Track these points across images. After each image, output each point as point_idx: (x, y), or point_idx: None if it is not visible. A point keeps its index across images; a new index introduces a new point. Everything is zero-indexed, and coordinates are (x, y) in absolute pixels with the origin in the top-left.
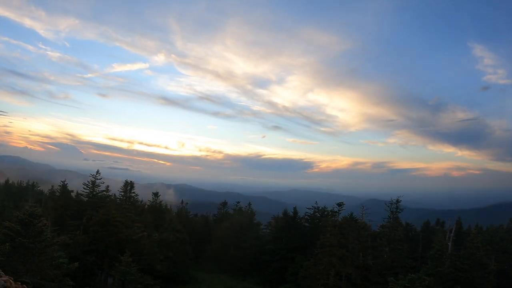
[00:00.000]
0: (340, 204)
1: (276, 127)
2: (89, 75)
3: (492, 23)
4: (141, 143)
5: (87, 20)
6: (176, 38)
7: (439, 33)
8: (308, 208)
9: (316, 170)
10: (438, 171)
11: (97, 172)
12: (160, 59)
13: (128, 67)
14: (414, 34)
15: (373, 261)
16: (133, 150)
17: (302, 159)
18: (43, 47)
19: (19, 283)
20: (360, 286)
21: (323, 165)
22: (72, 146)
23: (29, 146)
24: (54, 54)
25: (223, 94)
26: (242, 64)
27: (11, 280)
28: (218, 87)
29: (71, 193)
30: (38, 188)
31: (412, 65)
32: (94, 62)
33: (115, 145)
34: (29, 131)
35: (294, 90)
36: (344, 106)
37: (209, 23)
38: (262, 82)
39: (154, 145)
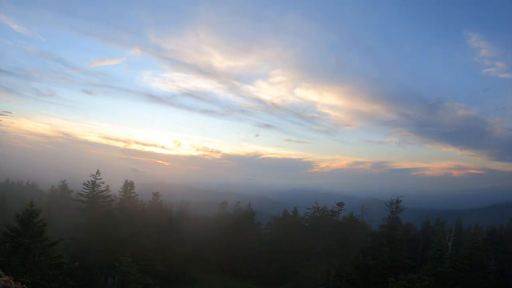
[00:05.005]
0: (340, 204)
1: (269, 126)
2: (70, 71)
3: (489, 10)
4: (137, 143)
5: (58, 13)
6: (150, 31)
7: (434, 23)
8: (308, 208)
9: (316, 170)
10: (439, 171)
11: (97, 172)
12: (137, 53)
13: (106, 62)
14: (407, 25)
15: (373, 261)
16: (130, 150)
17: (301, 158)
18: (20, 41)
19: (19, 283)
20: (360, 286)
21: (322, 165)
22: (70, 146)
23: (28, 146)
24: (31, 49)
25: (211, 90)
26: (225, 59)
27: (11, 280)
28: (204, 84)
29: (71, 193)
30: (38, 188)
31: (406, 59)
32: (72, 57)
33: (111, 144)
34: (25, 130)
35: (280, 86)
36: (336, 103)
37: (182, 13)
38: (248, 78)
39: (151, 145)
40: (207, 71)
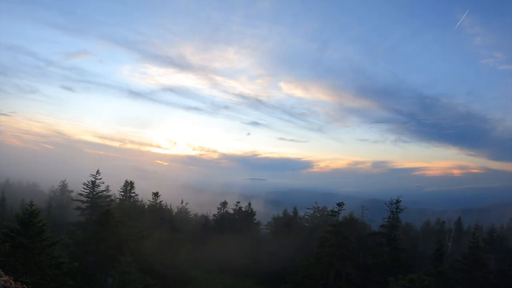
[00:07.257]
0: (340, 204)
1: (258, 123)
2: (46, 66)
3: None
4: (132, 142)
5: (22, 4)
6: (119, 23)
7: (423, 5)
8: (308, 208)
9: (316, 169)
10: (439, 171)
11: (97, 172)
12: (110, 46)
13: (81, 56)
14: (398, 11)
15: (373, 261)
16: (127, 149)
17: (300, 158)
18: None
19: (19, 283)
20: (360, 286)
21: (322, 165)
22: (67, 145)
23: (26, 145)
24: (2, 43)
25: (195, 87)
26: (198, 51)
27: (11, 280)
28: (187, 80)
29: (71, 193)
30: (38, 188)
31: (395, 48)
32: (45, 52)
33: (106, 143)
34: (20, 129)
35: (262, 80)
36: (323, 98)
37: (149, 3)
38: (229, 72)
39: (147, 144)
40: (182, 64)
